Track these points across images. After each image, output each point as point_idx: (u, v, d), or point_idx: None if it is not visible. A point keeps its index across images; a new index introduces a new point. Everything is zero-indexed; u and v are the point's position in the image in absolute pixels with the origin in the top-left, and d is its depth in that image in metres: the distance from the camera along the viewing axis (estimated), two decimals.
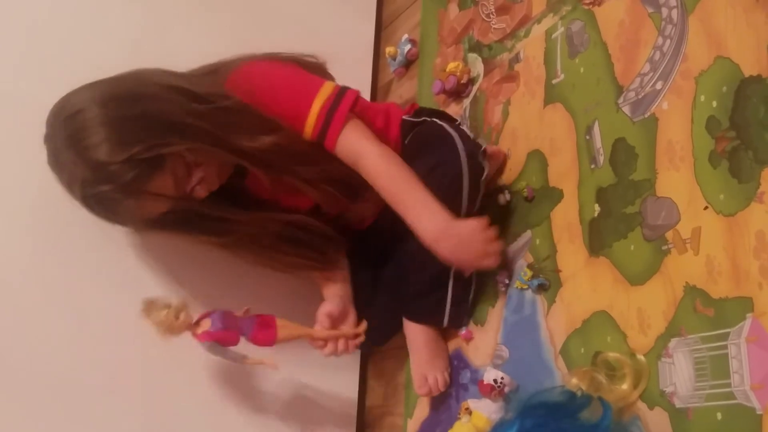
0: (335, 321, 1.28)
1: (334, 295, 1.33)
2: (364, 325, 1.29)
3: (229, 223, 1.24)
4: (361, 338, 1.28)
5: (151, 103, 1.11)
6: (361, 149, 1.20)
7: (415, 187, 1.15)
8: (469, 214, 1.20)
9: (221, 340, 1.18)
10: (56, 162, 1.11)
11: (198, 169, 1.16)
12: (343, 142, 1.19)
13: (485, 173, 1.23)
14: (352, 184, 1.26)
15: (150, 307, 1.15)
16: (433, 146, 1.24)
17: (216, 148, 1.15)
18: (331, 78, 1.35)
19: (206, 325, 1.18)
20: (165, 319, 1.14)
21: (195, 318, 1.19)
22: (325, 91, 1.22)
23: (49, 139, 1.12)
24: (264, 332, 1.21)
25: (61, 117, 1.11)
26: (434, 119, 1.32)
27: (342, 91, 1.23)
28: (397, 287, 1.32)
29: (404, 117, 1.36)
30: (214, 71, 1.25)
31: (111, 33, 1.43)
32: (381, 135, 1.28)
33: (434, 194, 1.15)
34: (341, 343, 1.26)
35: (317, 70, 1.33)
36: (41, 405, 1.23)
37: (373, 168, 1.18)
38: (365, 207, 1.39)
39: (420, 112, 1.38)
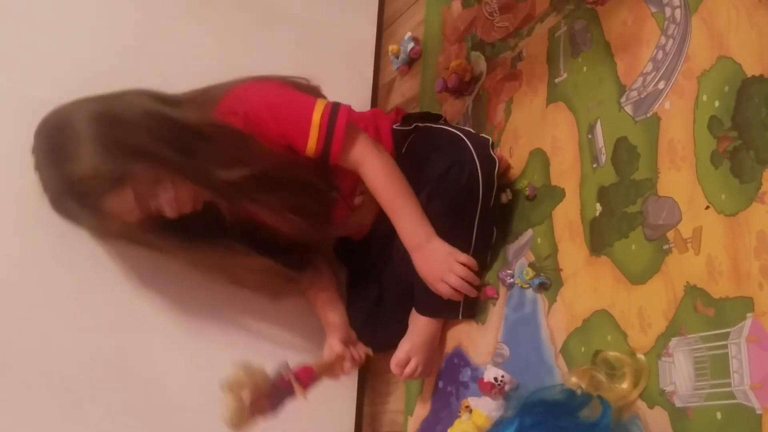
0: (345, 344, 1.39)
1: (338, 326, 1.41)
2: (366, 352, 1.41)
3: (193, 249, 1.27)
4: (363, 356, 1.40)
5: (129, 127, 1.15)
6: (364, 158, 1.24)
7: (409, 199, 1.24)
8: (485, 208, 1.24)
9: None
10: (37, 169, 1.19)
11: (165, 190, 1.18)
12: (346, 151, 1.23)
13: (497, 165, 1.25)
14: (320, 212, 1.33)
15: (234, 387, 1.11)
16: (443, 149, 1.25)
17: (182, 177, 1.18)
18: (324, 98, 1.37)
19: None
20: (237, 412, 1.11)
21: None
22: (320, 105, 1.23)
23: (34, 149, 1.19)
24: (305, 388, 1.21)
25: (46, 128, 1.18)
26: (426, 124, 1.34)
27: (336, 104, 1.24)
28: (404, 286, 1.33)
29: (395, 127, 1.37)
30: (203, 94, 1.27)
31: (113, 34, 1.44)
32: None
33: (452, 195, 1.22)
34: (347, 364, 1.36)
35: (311, 91, 1.34)
36: (40, 403, 1.24)
37: (373, 176, 1.24)
38: (363, 214, 1.39)
39: (408, 118, 1.40)
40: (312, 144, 1.21)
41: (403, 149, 1.35)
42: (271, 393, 1.12)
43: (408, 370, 1.29)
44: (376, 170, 1.24)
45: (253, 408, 1.08)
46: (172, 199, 1.18)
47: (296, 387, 1.15)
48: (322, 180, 1.29)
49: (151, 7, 1.49)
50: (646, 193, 1.01)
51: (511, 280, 1.22)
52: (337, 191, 1.32)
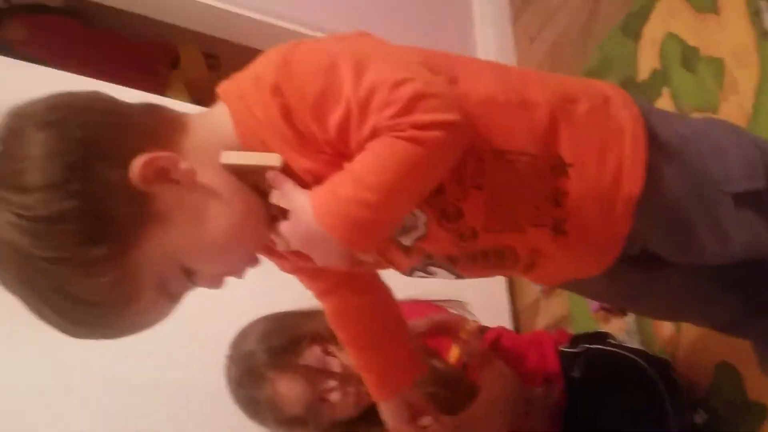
0: None
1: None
2: None
3: None
4: None
5: (296, 310, 1.19)
6: None
7: None
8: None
9: None
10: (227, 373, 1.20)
11: (331, 360, 1.16)
12: None
13: (683, 386, 1.18)
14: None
15: None
16: (620, 378, 1.19)
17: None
18: None
19: None
20: None
21: None
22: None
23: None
24: None
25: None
26: (596, 345, 1.29)
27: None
28: None
29: (561, 348, 1.33)
30: None
31: None
32: (539, 368, 1.28)
33: (639, 422, 1.13)
34: None
35: None
36: None
37: None
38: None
39: (575, 339, 1.35)
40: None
41: (574, 372, 1.28)
42: None
43: None
44: None
45: None
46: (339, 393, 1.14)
47: None
48: None
49: None
50: None
51: None
52: None
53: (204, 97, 1.60)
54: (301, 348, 1.18)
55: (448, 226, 0.73)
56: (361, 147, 0.66)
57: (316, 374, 1.17)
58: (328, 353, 1.19)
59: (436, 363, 1.21)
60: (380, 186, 0.64)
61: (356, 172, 0.65)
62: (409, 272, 0.82)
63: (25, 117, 0.66)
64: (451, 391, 1.20)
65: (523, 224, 0.75)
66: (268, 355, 1.16)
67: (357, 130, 0.65)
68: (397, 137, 0.63)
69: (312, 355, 1.18)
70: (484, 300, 1.74)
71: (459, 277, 0.81)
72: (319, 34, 1.83)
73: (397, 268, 0.82)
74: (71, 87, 0.72)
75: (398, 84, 0.64)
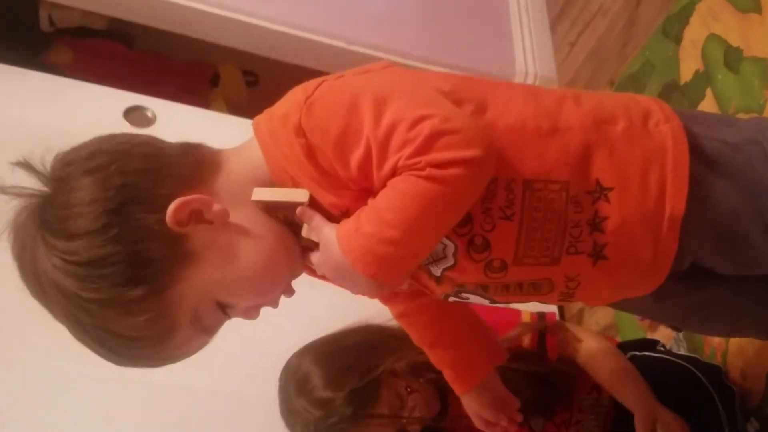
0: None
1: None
2: None
3: None
4: None
5: (352, 344, 1.19)
6: None
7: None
8: None
9: None
10: (289, 410, 1.18)
11: (411, 397, 1.16)
12: None
13: (737, 394, 1.15)
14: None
15: None
16: (672, 383, 1.17)
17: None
18: None
19: None
20: None
21: None
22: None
23: (282, 390, 1.20)
24: None
25: (289, 375, 1.20)
26: (644, 353, 1.27)
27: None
28: None
29: None
30: None
31: None
32: (587, 375, 1.24)
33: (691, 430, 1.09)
34: None
35: None
36: None
37: None
38: None
39: (622, 346, 1.33)
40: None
41: None
42: None
43: None
44: None
45: None
46: (416, 407, 1.15)
47: None
48: None
49: None
50: None
51: None
52: None
53: (243, 112, 1.63)
54: (380, 390, 1.15)
55: (475, 256, 0.73)
56: (383, 184, 0.67)
57: (399, 414, 1.16)
58: (409, 391, 1.17)
59: (521, 366, 1.19)
60: (402, 223, 0.65)
61: (379, 209, 0.66)
62: (444, 299, 0.81)
63: (70, 163, 0.70)
64: (550, 387, 1.20)
65: (557, 255, 0.73)
66: (347, 405, 1.13)
67: (378, 169, 0.66)
68: (417, 176, 0.64)
69: (393, 393, 1.16)
70: (532, 309, 1.73)
71: (494, 302, 0.80)
72: (357, 49, 1.84)
73: (431, 294, 0.82)
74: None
75: (416, 122, 0.64)
